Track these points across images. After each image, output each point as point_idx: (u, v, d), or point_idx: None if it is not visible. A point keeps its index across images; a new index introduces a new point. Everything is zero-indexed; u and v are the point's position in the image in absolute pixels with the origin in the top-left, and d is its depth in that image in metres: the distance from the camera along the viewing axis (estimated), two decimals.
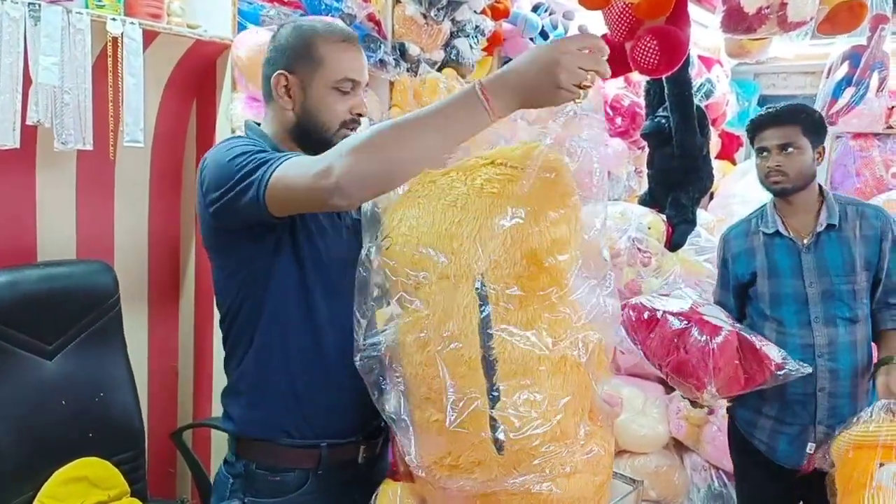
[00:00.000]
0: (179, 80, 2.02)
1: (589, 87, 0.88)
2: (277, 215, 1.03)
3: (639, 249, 2.78)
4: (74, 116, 1.64)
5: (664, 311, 1.78)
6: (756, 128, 1.84)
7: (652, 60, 1.94)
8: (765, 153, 1.80)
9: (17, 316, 1.61)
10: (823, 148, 1.81)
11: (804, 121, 1.78)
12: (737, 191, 4.46)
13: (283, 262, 1.14)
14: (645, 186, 3.56)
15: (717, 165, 4.11)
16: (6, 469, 1.57)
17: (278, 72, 1.17)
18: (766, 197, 4.29)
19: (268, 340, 1.17)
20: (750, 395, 1.86)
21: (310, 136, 1.17)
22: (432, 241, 0.96)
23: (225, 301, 1.21)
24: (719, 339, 1.67)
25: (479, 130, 0.92)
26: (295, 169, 0.99)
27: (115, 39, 1.69)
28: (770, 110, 1.84)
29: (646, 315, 1.80)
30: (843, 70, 3.04)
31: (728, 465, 2.16)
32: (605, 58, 0.89)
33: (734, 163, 5.07)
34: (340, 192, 0.92)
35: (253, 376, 1.19)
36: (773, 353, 1.65)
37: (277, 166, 1.00)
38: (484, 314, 0.93)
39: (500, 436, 0.91)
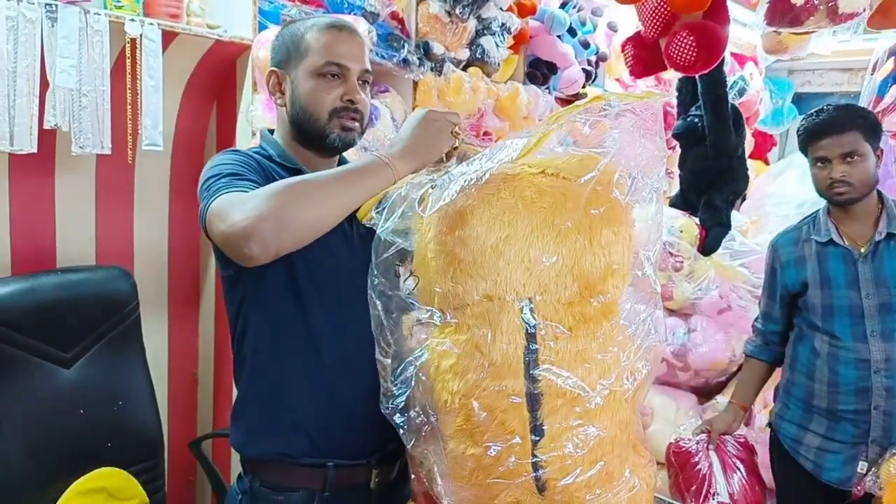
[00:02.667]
0: (199, 82, 1.98)
1: (459, 134, 1.06)
2: None
3: (670, 254, 2.69)
4: (92, 120, 1.60)
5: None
6: (812, 136, 1.71)
7: (688, 57, 1.86)
8: (823, 163, 1.69)
9: (34, 324, 1.58)
10: (882, 150, 1.70)
11: (863, 125, 1.67)
12: (771, 192, 4.32)
13: (272, 275, 1.07)
14: (675, 188, 3.48)
15: (750, 165, 3.99)
16: (23, 480, 1.54)
17: (271, 69, 1.17)
18: (801, 198, 4.15)
19: (264, 359, 1.13)
20: (796, 408, 1.78)
21: (305, 132, 1.13)
22: (476, 257, 0.89)
23: (229, 318, 1.18)
24: None
25: (384, 188, 1.00)
26: (221, 209, 0.96)
27: (133, 41, 1.65)
28: (824, 116, 1.70)
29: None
30: (889, 66, 2.90)
31: (767, 479, 2.06)
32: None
33: (767, 163, 4.93)
34: (251, 242, 0.91)
35: (250, 397, 1.16)
36: None
37: (213, 201, 0.98)
38: (531, 346, 0.87)
39: (542, 475, 0.84)
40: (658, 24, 1.82)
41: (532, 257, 0.88)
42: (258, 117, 1.88)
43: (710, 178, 2.79)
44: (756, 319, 1.97)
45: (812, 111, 1.77)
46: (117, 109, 1.66)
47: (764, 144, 4.81)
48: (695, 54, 1.74)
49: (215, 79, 1.98)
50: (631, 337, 0.96)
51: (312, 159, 1.16)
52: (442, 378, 0.91)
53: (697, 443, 1.87)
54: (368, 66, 1.16)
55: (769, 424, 1.90)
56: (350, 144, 1.15)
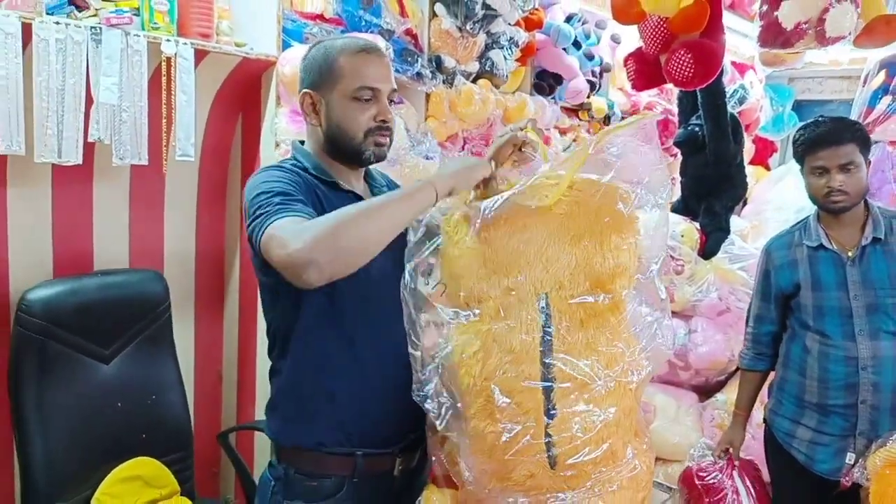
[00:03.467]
0: (226, 96, 2.09)
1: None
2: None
3: (672, 257, 2.80)
4: (131, 133, 1.72)
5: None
6: (811, 146, 1.80)
7: (686, 73, 1.97)
8: (822, 172, 1.79)
9: (77, 322, 1.70)
10: (870, 161, 1.81)
11: (858, 137, 1.77)
12: (771, 197, 4.42)
13: None
14: (677, 194, 3.58)
15: (751, 171, 4.08)
16: (67, 468, 1.65)
17: (303, 91, 1.24)
18: (800, 203, 4.23)
19: (301, 356, 1.23)
20: (789, 403, 1.88)
21: (340, 149, 1.23)
22: (500, 255, 1.03)
23: (267, 316, 1.28)
24: None
25: (427, 208, 1.11)
26: (280, 236, 1.03)
27: (168, 59, 1.77)
28: (823, 128, 1.79)
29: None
30: (880, 79, 3.01)
31: (764, 473, 2.16)
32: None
33: (768, 168, 5.03)
34: (309, 269, 0.99)
35: (288, 391, 1.26)
36: None
37: (270, 224, 1.05)
38: (547, 336, 0.99)
39: (555, 452, 0.95)
40: (658, 42, 1.93)
41: (549, 256, 1.00)
42: (282, 129, 2.00)
43: (710, 184, 2.89)
44: (747, 324, 2.06)
45: (807, 122, 1.87)
46: (153, 123, 1.77)
47: (765, 151, 4.90)
48: (692, 71, 1.85)
49: (241, 93, 2.10)
50: (636, 335, 1.08)
51: (344, 170, 1.27)
52: (466, 364, 1.03)
53: (721, 469, 1.98)
54: (395, 85, 1.26)
55: (764, 420, 2.00)
56: (382, 158, 1.26)
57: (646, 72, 2.05)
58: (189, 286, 2.17)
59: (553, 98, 3.05)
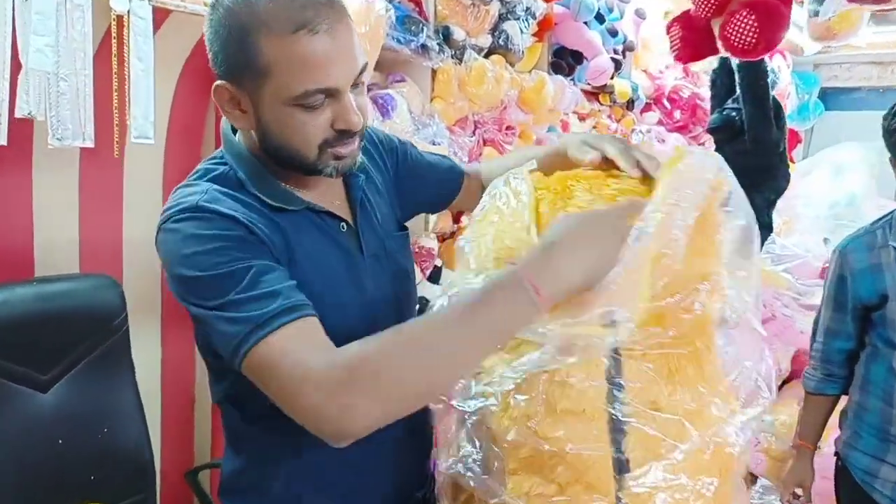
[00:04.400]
0: (196, 67, 1.77)
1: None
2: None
3: None
4: (73, 108, 1.39)
5: None
6: None
7: (749, 38, 1.65)
8: None
9: (8, 342, 1.38)
10: None
11: None
12: (799, 192, 4.13)
13: None
14: None
15: None
16: None
17: (218, 83, 0.83)
18: (832, 198, 3.91)
19: (258, 443, 0.96)
20: (868, 436, 1.58)
21: (287, 163, 0.86)
22: None
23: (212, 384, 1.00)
24: None
25: (522, 328, 0.75)
26: (283, 379, 0.73)
27: (120, 18, 1.44)
28: None
29: None
30: None
31: None
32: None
33: (792, 161, 4.74)
34: (344, 427, 0.71)
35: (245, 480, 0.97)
36: None
37: (254, 345, 0.73)
38: (617, 396, 0.75)
39: None
40: (712, 2, 1.60)
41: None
42: None
43: (750, 176, 2.53)
44: (814, 339, 1.75)
45: None
46: (102, 97, 1.45)
47: (790, 142, 4.61)
48: (756, 36, 1.54)
49: None
50: (734, 388, 0.83)
51: (303, 180, 0.90)
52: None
53: None
54: (361, 62, 0.82)
55: (836, 454, 1.69)
56: (351, 167, 0.89)
57: (693, 40, 1.74)
58: (154, 295, 1.84)
59: (572, 79, 2.73)
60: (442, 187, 1.17)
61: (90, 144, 1.43)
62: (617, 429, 0.75)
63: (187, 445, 1.93)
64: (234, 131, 0.92)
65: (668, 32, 1.89)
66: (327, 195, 0.93)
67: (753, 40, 1.56)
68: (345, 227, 0.93)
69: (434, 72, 2.17)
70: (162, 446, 1.79)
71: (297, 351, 0.72)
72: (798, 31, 4.25)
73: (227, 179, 0.87)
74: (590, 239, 0.74)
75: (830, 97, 4.89)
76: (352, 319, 0.86)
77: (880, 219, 1.65)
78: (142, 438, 1.60)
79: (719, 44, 1.70)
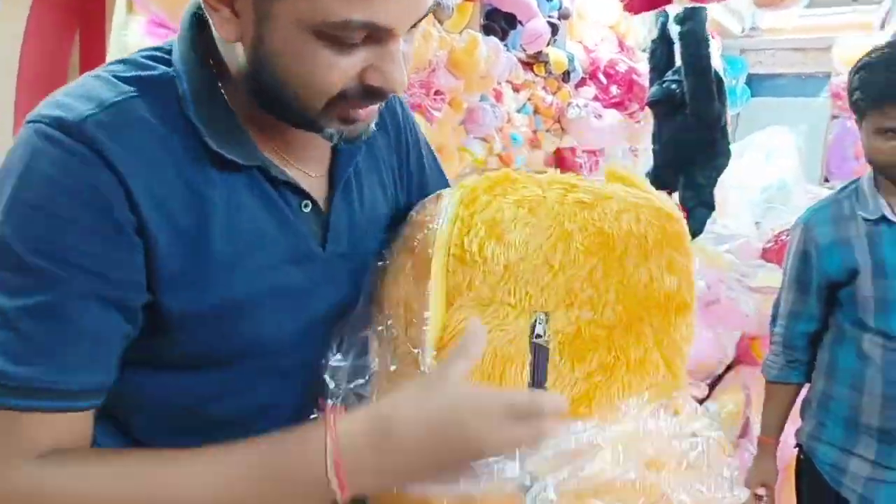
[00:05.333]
0: (52, 3, 1.44)
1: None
2: None
3: None
4: None
5: None
6: (882, 98, 1.33)
7: None
8: (892, 133, 1.33)
9: None
10: None
11: None
12: (731, 175, 4.12)
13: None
14: (640, 167, 3.14)
15: None
16: None
17: None
18: (764, 182, 3.89)
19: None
20: (836, 427, 1.44)
21: (275, 107, 0.61)
22: None
23: None
24: None
25: None
26: None
27: None
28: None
29: None
30: None
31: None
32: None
33: None
34: None
35: None
36: None
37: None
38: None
39: None
40: None
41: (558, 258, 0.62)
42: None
43: (692, 152, 2.45)
44: (774, 324, 1.60)
45: (869, 61, 1.38)
46: None
47: None
48: None
49: None
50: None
51: (276, 128, 0.64)
52: None
53: None
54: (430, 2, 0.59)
55: (798, 446, 1.54)
56: (359, 138, 0.64)
57: None
58: None
59: (506, 45, 2.50)
60: None
61: None
62: None
63: None
64: (200, 26, 0.62)
65: None
66: (302, 159, 0.67)
67: None
68: (308, 206, 0.65)
69: None
70: None
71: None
72: (728, 15, 4.22)
73: (160, 87, 0.59)
74: (431, 457, 0.54)
75: (756, 83, 4.92)
76: (285, 345, 0.63)
77: (844, 188, 1.51)
78: None
79: None
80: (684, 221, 0.72)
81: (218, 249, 0.59)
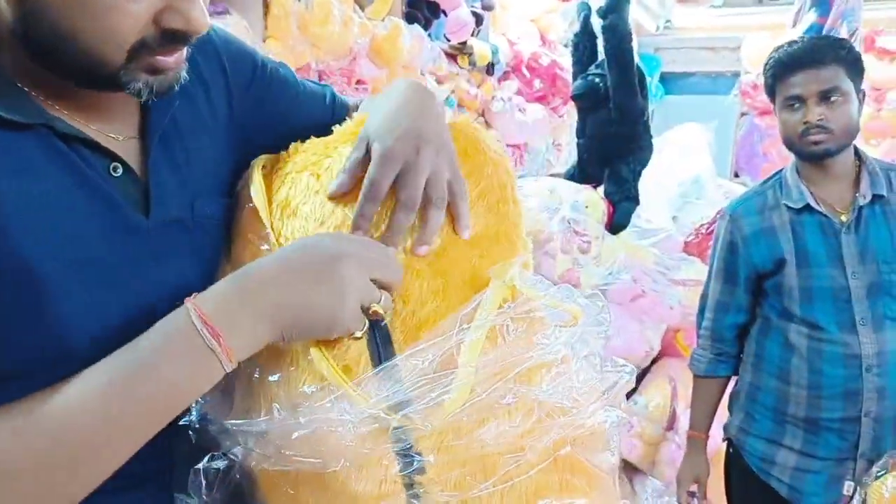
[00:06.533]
0: None
1: (380, 315, 0.56)
2: None
3: (575, 232, 2.30)
4: None
5: None
6: (784, 69, 1.37)
7: None
8: (796, 104, 1.35)
9: None
10: (864, 93, 1.39)
11: (846, 58, 1.34)
12: (648, 171, 4.22)
13: None
14: (564, 162, 3.14)
15: None
16: None
17: None
18: (681, 177, 4.00)
19: None
20: (763, 419, 1.45)
21: (65, 66, 0.53)
22: None
23: None
24: None
25: (207, 389, 0.53)
26: None
27: None
28: (798, 45, 1.38)
29: None
30: (811, 17, 2.70)
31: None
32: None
33: None
34: None
35: None
36: None
37: None
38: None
39: None
40: None
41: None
42: None
43: (615, 145, 2.46)
44: (701, 316, 1.60)
45: (784, 43, 1.42)
46: None
47: None
48: None
49: None
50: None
51: (77, 94, 0.56)
52: None
53: None
54: None
55: (726, 440, 1.55)
56: (172, 88, 0.57)
57: None
58: None
59: (429, 35, 2.43)
60: (317, 125, 0.73)
61: None
62: None
63: None
64: None
65: None
66: (103, 120, 0.58)
67: None
68: (119, 170, 0.56)
69: (267, 4, 1.76)
70: None
71: None
72: (644, 12, 4.31)
73: None
74: (307, 289, 0.54)
75: (669, 81, 5.06)
76: (108, 329, 0.53)
77: (769, 178, 1.53)
78: None
79: None
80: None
81: (7, 215, 0.49)
